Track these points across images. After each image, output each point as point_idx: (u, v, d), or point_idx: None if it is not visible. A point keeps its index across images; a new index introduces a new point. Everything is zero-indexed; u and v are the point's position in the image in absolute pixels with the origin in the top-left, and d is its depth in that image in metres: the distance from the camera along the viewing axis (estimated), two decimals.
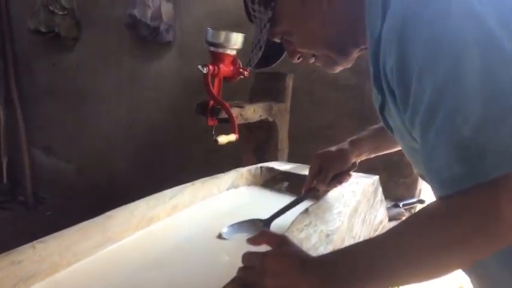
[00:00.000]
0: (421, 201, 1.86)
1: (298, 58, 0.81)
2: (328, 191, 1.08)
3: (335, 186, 1.06)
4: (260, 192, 1.29)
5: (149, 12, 2.41)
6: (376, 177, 1.34)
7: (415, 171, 0.77)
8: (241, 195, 1.25)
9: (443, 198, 0.53)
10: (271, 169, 1.33)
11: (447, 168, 0.51)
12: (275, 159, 1.88)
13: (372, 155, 1.09)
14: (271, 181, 1.32)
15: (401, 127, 0.64)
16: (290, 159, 2.08)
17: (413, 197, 1.94)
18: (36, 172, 3.41)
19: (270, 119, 1.85)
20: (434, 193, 0.57)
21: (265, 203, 1.23)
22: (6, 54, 3.20)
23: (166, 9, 2.44)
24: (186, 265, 0.82)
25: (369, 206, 1.27)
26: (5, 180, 3.36)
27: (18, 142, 3.31)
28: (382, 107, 0.69)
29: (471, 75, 0.50)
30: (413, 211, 1.84)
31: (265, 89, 1.90)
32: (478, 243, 0.50)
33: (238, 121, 1.62)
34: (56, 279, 0.75)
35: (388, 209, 1.64)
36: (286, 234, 0.86)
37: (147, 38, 2.53)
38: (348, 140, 1.07)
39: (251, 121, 1.74)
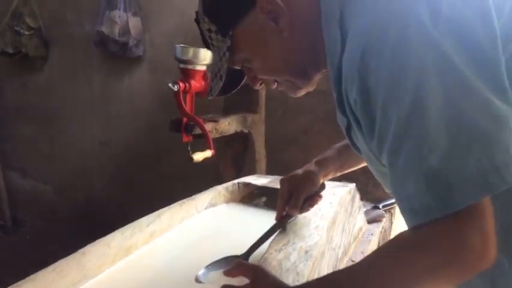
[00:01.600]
0: None
1: (260, 84, 0.81)
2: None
3: (307, 210, 1.03)
4: (239, 209, 1.28)
5: (116, 28, 2.38)
6: (353, 185, 1.35)
7: (386, 190, 0.78)
8: (220, 214, 1.24)
9: (413, 229, 0.54)
10: (248, 184, 1.33)
11: (417, 198, 0.52)
12: (253, 170, 1.88)
13: (338, 174, 1.08)
14: (249, 197, 1.32)
15: (368, 152, 0.65)
16: (269, 168, 2.09)
17: (392, 197, 1.96)
18: (13, 195, 3.34)
19: (246, 131, 1.85)
20: (405, 220, 0.57)
21: (245, 220, 1.23)
22: None
23: (134, 24, 2.42)
24: None
25: (348, 214, 1.28)
26: None
27: None
28: (348, 129, 0.70)
29: (433, 105, 0.51)
30: (392, 211, 1.86)
31: (239, 100, 1.90)
32: (448, 273, 0.51)
33: (213, 135, 1.62)
34: None
35: (368, 211, 1.66)
36: (265, 256, 0.87)
37: (116, 54, 2.50)
38: (314, 160, 1.05)
39: (226, 134, 1.74)
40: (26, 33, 2.76)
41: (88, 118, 2.86)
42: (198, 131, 1.56)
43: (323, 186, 1.04)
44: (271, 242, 0.92)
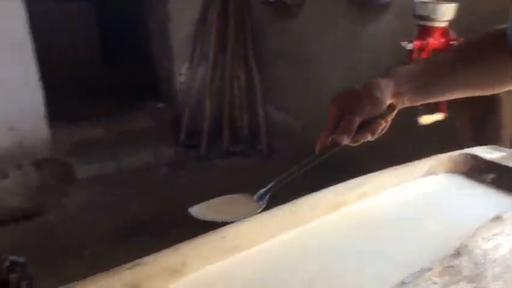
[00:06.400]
0: None
1: None
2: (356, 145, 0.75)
3: (365, 138, 0.73)
4: (460, 182, 1.21)
5: None
6: None
7: None
8: (437, 184, 1.20)
9: None
10: (476, 157, 1.23)
11: None
12: (496, 136, 1.68)
13: (419, 99, 0.76)
14: (474, 170, 1.22)
15: None
16: None
17: None
18: (270, 126, 3.88)
19: None
20: None
21: (464, 196, 1.16)
22: (245, 23, 3.66)
23: None
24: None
25: None
26: (245, 131, 3.94)
27: (256, 99, 3.82)
28: None
29: None
30: None
31: None
32: None
33: None
34: (252, 253, 0.92)
35: None
36: (465, 242, 0.83)
37: (364, 1, 2.50)
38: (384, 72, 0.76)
39: None
40: None
41: (334, 63, 3.01)
42: None
43: (391, 108, 0.73)
44: (478, 227, 0.86)
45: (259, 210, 0.74)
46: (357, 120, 0.71)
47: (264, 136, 3.85)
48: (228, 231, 0.91)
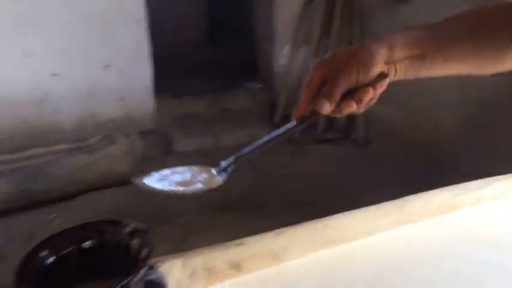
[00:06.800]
0: None
1: None
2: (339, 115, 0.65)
3: (350, 107, 0.62)
4: None
5: None
6: None
7: None
8: None
9: None
10: None
11: None
12: None
13: (413, 70, 0.65)
14: None
15: None
16: None
17: None
18: (368, 116, 3.73)
19: None
20: None
21: None
22: (352, 6, 3.55)
23: None
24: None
25: None
26: (342, 120, 3.84)
27: None
28: None
29: None
30: None
31: None
32: None
33: None
34: (355, 245, 0.89)
35: None
36: None
37: None
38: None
39: None
40: None
41: None
42: None
43: (382, 76, 0.63)
44: None
45: (216, 185, 0.68)
46: (342, 86, 0.62)
47: (360, 125, 3.73)
48: (331, 221, 0.89)
